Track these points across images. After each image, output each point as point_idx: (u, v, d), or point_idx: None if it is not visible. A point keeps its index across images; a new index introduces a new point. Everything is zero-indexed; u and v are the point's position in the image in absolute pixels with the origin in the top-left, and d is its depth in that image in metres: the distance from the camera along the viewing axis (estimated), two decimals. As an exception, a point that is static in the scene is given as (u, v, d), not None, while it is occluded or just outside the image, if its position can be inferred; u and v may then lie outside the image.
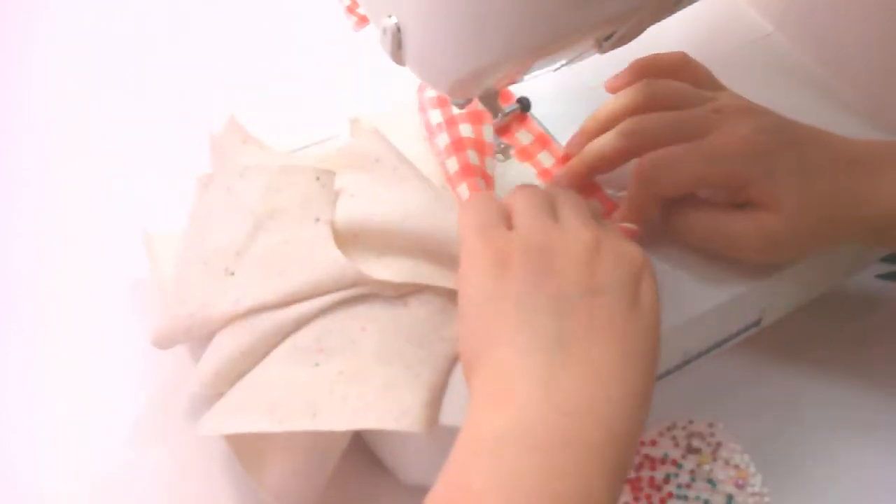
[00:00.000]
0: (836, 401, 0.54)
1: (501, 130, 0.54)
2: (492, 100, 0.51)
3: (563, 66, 0.48)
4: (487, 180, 0.50)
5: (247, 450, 0.44)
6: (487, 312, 0.40)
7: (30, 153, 0.62)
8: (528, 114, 0.55)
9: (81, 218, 0.59)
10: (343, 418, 0.42)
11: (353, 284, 0.44)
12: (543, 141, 0.54)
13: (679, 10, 0.46)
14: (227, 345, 0.44)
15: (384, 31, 0.43)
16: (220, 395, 0.45)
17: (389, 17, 0.42)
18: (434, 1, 0.40)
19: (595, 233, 0.42)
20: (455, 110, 0.51)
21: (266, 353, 0.44)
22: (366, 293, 0.44)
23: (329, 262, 0.44)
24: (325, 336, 0.44)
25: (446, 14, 0.40)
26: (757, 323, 0.53)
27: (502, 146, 0.54)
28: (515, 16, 0.39)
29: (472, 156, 0.50)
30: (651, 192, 0.48)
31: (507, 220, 0.43)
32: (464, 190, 0.49)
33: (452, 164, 0.50)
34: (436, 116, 0.51)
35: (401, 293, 0.45)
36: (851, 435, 0.53)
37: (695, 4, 0.47)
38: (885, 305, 0.58)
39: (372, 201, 0.45)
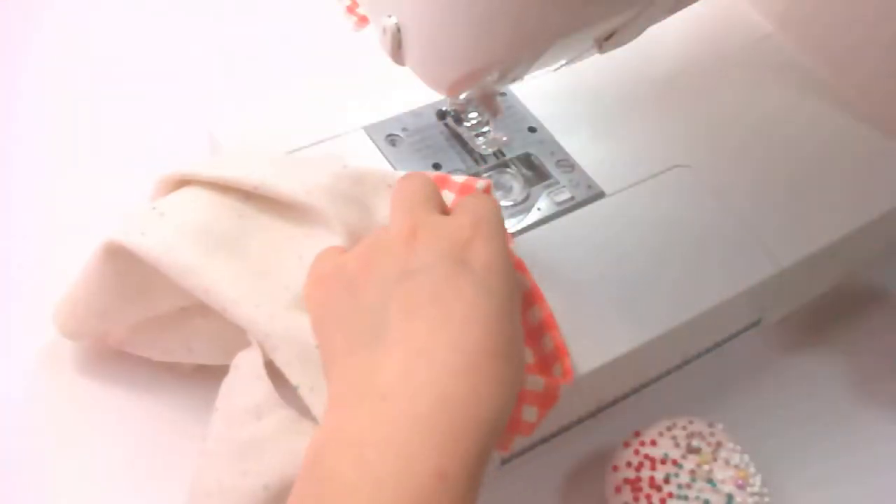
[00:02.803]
0: (836, 400, 0.54)
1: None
2: (491, 100, 0.51)
3: (563, 66, 0.48)
4: None
5: None
6: (318, 330, 0.41)
7: (27, 155, 0.62)
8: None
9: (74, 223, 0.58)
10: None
11: None
12: None
13: (679, 10, 0.46)
14: (92, 286, 0.46)
15: (384, 31, 0.43)
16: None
17: (389, 17, 0.43)
18: (434, 1, 0.40)
19: (412, 221, 0.41)
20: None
21: (126, 284, 0.46)
22: None
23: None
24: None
25: (446, 14, 0.40)
26: (757, 323, 0.53)
27: (490, 136, 0.54)
28: (515, 16, 0.39)
29: None
30: None
31: None
32: None
33: None
34: None
35: None
36: (851, 434, 0.53)
37: (695, 4, 0.47)
38: (884, 305, 0.58)
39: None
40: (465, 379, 0.35)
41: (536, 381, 0.42)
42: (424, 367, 0.35)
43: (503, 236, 0.41)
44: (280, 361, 0.42)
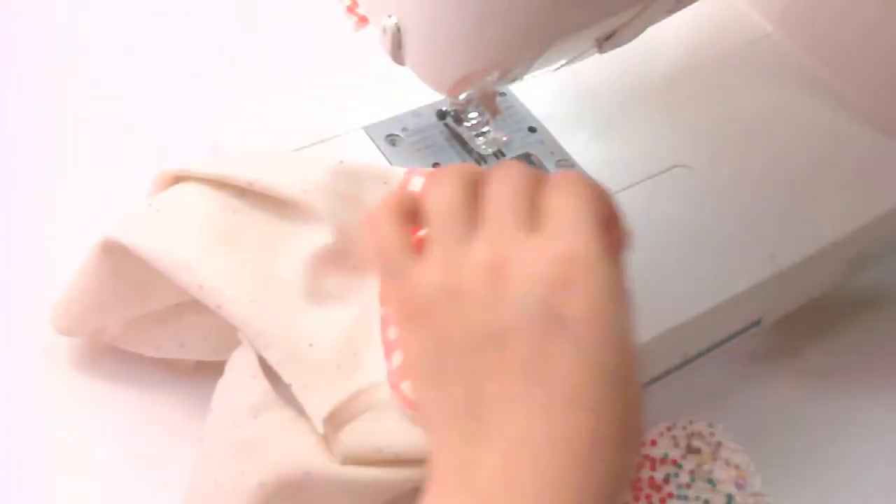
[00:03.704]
0: (836, 401, 0.54)
1: None
2: (492, 100, 0.51)
3: (563, 65, 0.48)
4: None
5: None
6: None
7: (27, 155, 0.62)
8: None
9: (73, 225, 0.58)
10: None
11: None
12: None
13: (679, 9, 0.46)
14: (88, 283, 0.46)
15: (384, 31, 0.43)
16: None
17: (389, 17, 0.43)
18: (434, 1, 0.40)
19: (502, 249, 0.32)
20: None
21: (122, 281, 0.46)
22: None
23: None
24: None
25: (446, 14, 0.40)
26: (757, 323, 0.53)
27: (490, 136, 0.54)
28: (515, 16, 0.39)
29: None
30: None
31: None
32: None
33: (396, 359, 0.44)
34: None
35: None
36: (851, 434, 0.53)
37: (695, 4, 0.47)
38: (884, 305, 0.58)
39: None
40: (570, 479, 0.30)
41: None
42: (528, 469, 0.30)
43: (610, 262, 0.32)
44: (272, 359, 0.42)
